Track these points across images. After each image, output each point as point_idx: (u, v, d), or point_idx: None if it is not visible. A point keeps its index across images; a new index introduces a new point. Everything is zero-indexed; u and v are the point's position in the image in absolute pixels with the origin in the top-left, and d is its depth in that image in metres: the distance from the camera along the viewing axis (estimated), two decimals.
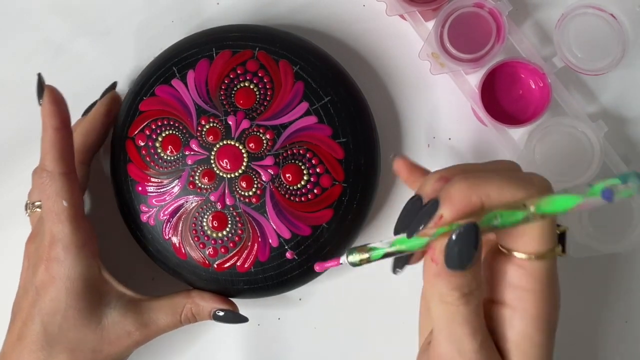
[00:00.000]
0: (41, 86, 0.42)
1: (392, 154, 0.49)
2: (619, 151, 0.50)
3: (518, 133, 0.50)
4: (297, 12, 0.52)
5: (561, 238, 0.35)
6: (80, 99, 0.52)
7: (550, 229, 0.33)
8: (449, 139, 0.52)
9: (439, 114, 0.52)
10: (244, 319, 0.48)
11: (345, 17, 0.52)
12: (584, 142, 0.47)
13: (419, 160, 0.51)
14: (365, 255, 0.34)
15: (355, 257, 0.34)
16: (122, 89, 0.51)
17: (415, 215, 0.33)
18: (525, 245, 0.33)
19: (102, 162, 0.50)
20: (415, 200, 0.34)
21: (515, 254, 0.34)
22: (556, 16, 0.47)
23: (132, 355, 0.49)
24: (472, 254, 0.32)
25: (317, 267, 0.36)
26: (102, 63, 0.53)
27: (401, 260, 0.35)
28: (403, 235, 0.33)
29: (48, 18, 0.54)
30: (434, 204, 0.32)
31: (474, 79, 0.49)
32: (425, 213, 0.33)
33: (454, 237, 0.32)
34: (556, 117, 0.48)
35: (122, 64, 0.53)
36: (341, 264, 0.35)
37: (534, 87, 0.49)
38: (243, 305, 0.48)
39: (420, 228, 0.33)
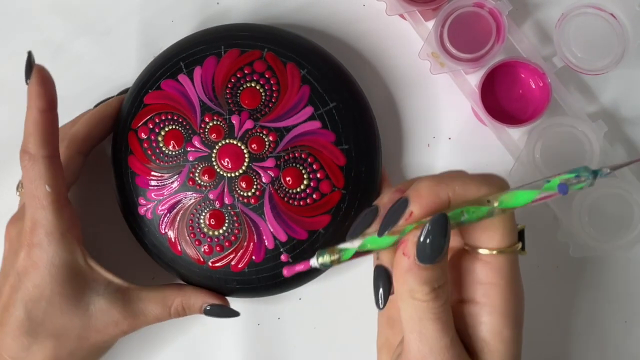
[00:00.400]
0: (30, 65, 0.41)
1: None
2: (618, 151, 0.50)
3: (518, 133, 0.50)
4: (295, 12, 0.52)
5: (520, 236, 0.36)
6: (80, 99, 0.52)
7: (510, 224, 0.35)
8: (449, 138, 0.52)
9: (439, 113, 0.52)
10: (235, 313, 0.47)
11: (344, 16, 0.52)
12: (584, 141, 0.47)
13: (420, 160, 0.51)
14: (336, 256, 0.34)
15: (326, 259, 0.34)
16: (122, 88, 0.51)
17: (369, 224, 0.35)
18: (488, 241, 0.35)
19: (107, 152, 0.50)
20: (371, 210, 0.36)
21: (480, 250, 0.35)
22: (556, 16, 0.47)
23: (130, 353, 0.49)
24: (443, 245, 0.33)
25: (285, 272, 0.35)
26: (102, 63, 0.53)
27: (385, 292, 0.36)
28: (373, 235, 0.34)
29: (48, 18, 0.54)
30: (404, 202, 0.34)
31: (474, 78, 0.49)
32: (396, 211, 0.34)
33: (425, 228, 0.33)
34: (556, 117, 0.48)
35: (122, 64, 0.53)
36: (311, 266, 0.34)
37: (533, 86, 0.49)
38: (242, 304, 0.48)
39: (391, 227, 0.34)
